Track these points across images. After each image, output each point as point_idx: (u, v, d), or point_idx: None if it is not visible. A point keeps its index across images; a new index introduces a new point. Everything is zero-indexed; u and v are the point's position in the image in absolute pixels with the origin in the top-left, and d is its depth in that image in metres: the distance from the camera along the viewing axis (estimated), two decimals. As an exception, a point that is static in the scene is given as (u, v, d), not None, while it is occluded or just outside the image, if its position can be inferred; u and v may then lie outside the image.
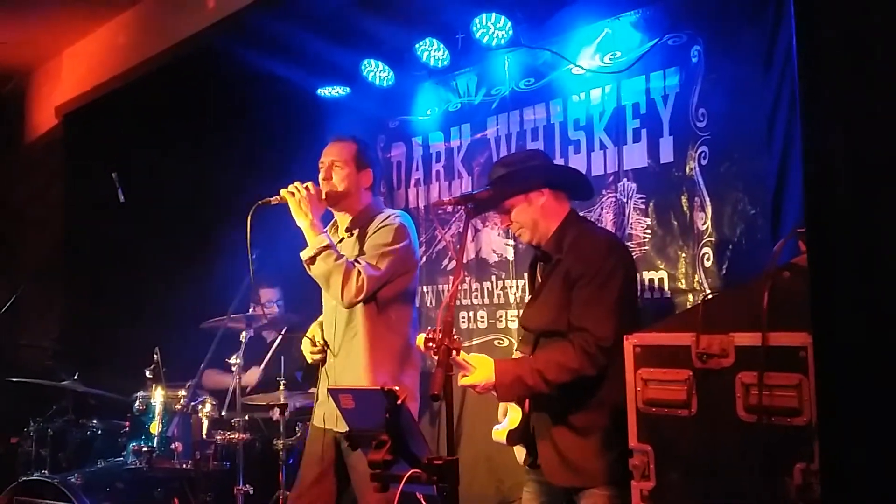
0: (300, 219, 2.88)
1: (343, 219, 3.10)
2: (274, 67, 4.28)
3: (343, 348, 2.97)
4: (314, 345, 3.04)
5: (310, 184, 2.93)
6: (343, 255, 2.86)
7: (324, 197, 2.96)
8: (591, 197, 3.07)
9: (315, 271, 2.86)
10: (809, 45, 1.44)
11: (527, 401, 2.43)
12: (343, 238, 3.05)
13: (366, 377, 2.88)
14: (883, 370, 1.34)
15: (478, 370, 2.29)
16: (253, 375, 4.20)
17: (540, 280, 2.52)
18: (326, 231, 2.94)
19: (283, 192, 2.92)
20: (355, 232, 3.04)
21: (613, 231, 3.48)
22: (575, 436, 2.33)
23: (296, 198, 2.88)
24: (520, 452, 2.53)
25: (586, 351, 2.25)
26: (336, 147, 3.09)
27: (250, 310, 4.00)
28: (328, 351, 3.03)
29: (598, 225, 2.79)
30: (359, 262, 2.86)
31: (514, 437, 2.47)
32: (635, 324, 2.43)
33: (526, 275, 2.73)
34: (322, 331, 3.08)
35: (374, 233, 2.96)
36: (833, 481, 1.42)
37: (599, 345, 2.26)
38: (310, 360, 3.08)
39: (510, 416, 2.46)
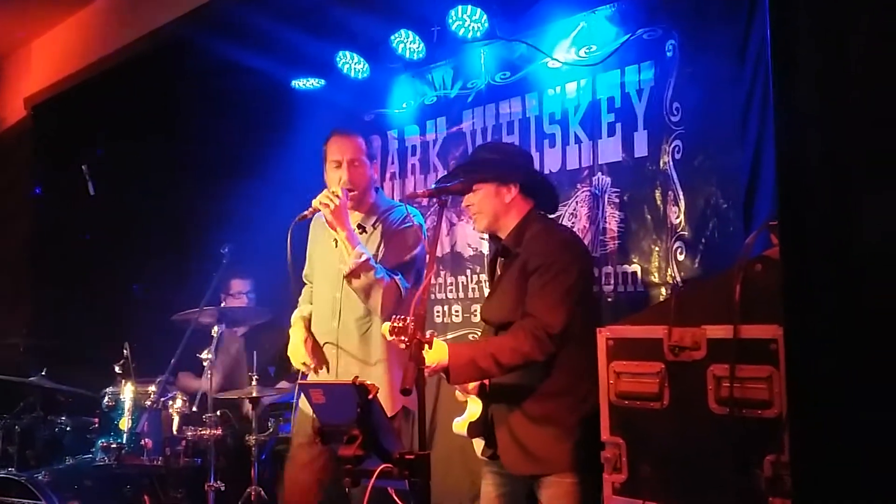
0: (339, 230, 2.80)
1: (353, 216, 3.00)
2: (248, 59, 4.23)
3: (351, 340, 2.94)
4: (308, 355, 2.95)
5: (337, 190, 2.83)
6: (381, 269, 2.82)
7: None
8: (554, 211, 3.11)
9: (356, 285, 2.81)
10: (783, 37, 1.44)
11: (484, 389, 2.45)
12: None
13: (384, 367, 2.87)
14: (853, 363, 1.34)
15: (430, 351, 2.27)
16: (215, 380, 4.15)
17: (499, 273, 2.54)
18: (360, 243, 2.88)
19: (315, 203, 2.82)
20: (369, 228, 3.00)
21: (588, 225, 3.49)
22: (532, 425, 2.36)
23: (331, 208, 2.78)
24: (478, 444, 2.56)
25: (535, 335, 2.28)
26: (350, 143, 2.96)
27: (222, 303, 3.95)
28: (328, 344, 2.98)
29: (558, 222, 2.83)
30: (395, 276, 2.84)
31: (475, 428, 2.50)
32: (592, 319, 2.44)
33: (487, 269, 2.74)
34: (307, 332, 3.03)
35: (398, 232, 2.94)
36: (802, 473, 1.42)
37: (546, 331, 2.29)
38: (298, 366, 3.00)
39: (470, 408, 2.48)
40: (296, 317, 3.12)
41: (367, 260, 2.78)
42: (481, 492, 2.58)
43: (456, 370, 2.30)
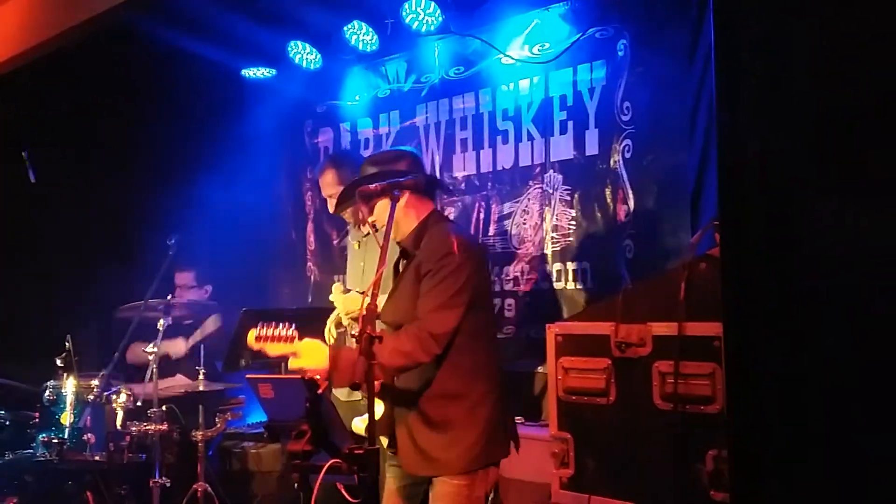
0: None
1: (356, 232, 3.17)
2: (196, 46, 4.13)
3: None
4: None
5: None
6: None
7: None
8: (452, 193, 3.11)
9: None
10: (727, 44, 1.47)
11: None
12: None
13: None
14: (790, 359, 1.38)
15: (309, 355, 2.22)
16: (179, 346, 4.08)
17: (399, 275, 2.53)
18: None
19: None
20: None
21: (540, 222, 3.52)
22: (428, 427, 2.33)
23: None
24: (384, 439, 2.52)
25: (418, 336, 2.26)
26: (322, 181, 3.18)
27: (168, 296, 3.87)
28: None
29: (458, 225, 2.82)
30: None
31: (380, 428, 2.42)
32: (487, 322, 2.41)
33: (392, 271, 2.69)
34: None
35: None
36: (740, 467, 1.46)
37: (430, 332, 2.26)
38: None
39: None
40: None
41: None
42: (386, 483, 2.54)
43: (337, 373, 2.22)
